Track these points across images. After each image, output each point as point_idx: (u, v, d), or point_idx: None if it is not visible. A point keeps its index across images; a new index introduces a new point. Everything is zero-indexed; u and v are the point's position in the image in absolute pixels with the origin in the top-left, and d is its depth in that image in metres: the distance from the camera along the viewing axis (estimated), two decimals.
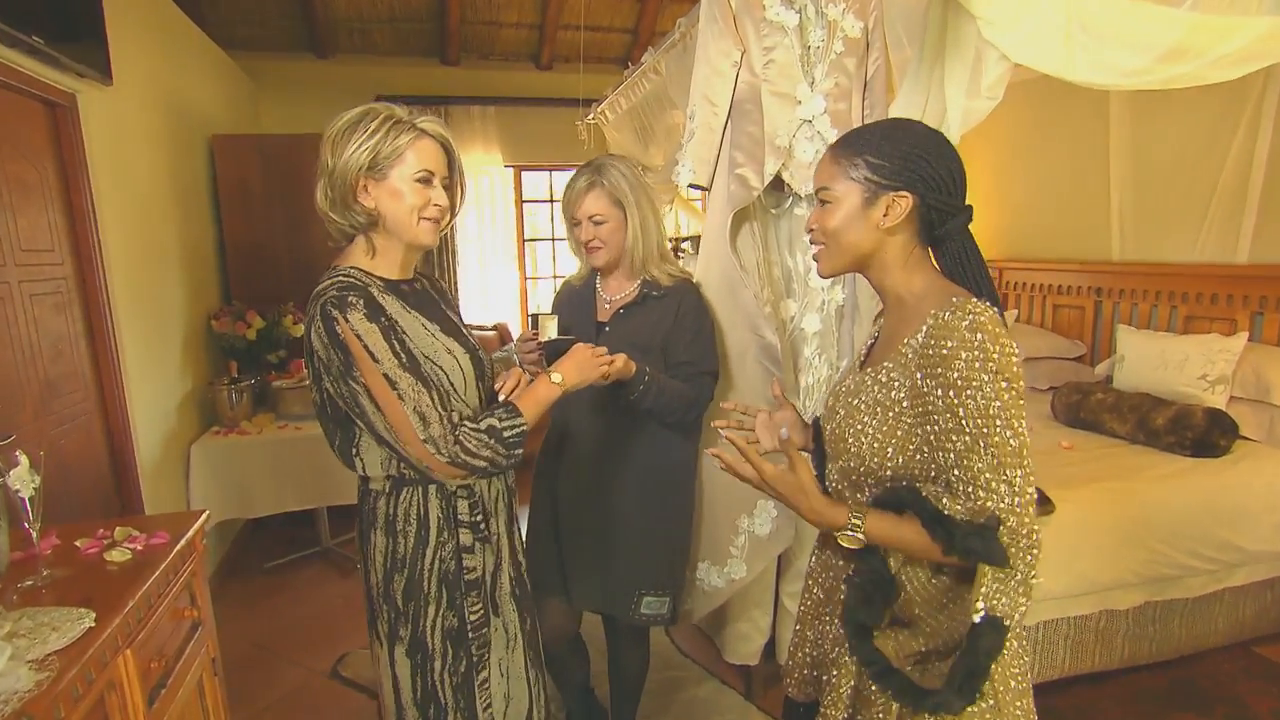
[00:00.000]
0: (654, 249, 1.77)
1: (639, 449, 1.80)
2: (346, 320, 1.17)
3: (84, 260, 2.39)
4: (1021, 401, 0.95)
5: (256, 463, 3.03)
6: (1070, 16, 1.43)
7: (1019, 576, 0.95)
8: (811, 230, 1.13)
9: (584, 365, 1.44)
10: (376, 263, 1.30)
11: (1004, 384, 0.93)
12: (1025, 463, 0.95)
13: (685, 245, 4.94)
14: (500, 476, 1.42)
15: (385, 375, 1.17)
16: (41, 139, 2.26)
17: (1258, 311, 2.89)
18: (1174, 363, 2.80)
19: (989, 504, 0.94)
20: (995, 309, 0.99)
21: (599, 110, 3.98)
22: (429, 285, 1.44)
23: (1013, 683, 1.01)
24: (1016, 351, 0.95)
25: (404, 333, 1.24)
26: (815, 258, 1.16)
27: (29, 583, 1.32)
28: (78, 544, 1.48)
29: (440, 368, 1.28)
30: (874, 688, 1.06)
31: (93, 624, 1.18)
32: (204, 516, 1.69)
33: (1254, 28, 1.38)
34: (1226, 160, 2.97)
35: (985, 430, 0.94)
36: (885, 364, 1.07)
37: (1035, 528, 0.94)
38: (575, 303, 1.88)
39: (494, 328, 5.26)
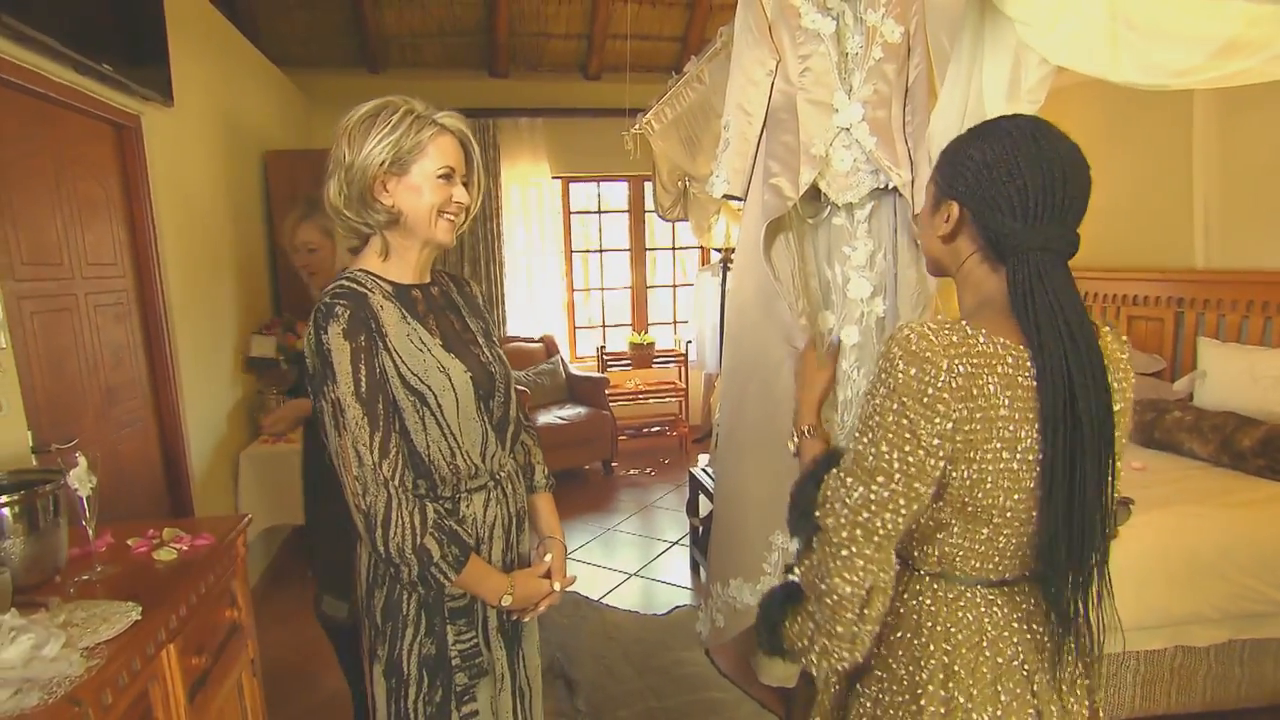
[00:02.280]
0: None
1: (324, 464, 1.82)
2: (326, 331, 1.13)
3: (144, 273, 2.51)
4: (910, 432, 0.86)
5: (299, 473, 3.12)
6: (1114, 14, 1.35)
7: (816, 558, 0.93)
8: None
9: (532, 597, 1.32)
10: (389, 265, 1.25)
11: (892, 405, 0.87)
12: (873, 484, 0.87)
13: (735, 257, 4.89)
14: (501, 500, 1.32)
15: (337, 399, 1.12)
16: (108, 158, 2.39)
17: None
18: (1266, 379, 2.60)
19: (827, 489, 0.94)
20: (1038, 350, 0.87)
21: (644, 120, 3.98)
22: (452, 288, 1.36)
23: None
24: (938, 381, 0.85)
25: (389, 351, 1.17)
26: None
27: (84, 577, 1.38)
28: (129, 543, 1.55)
29: (429, 387, 1.19)
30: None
31: (139, 618, 1.23)
32: (245, 520, 1.74)
33: None
34: None
35: (858, 433, 0.92)
36: None
37: (848, 550, 0.88)
38: None
39: (540, 339, 5.31)
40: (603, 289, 5.87)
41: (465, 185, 1.27)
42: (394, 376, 1.17)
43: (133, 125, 2.44)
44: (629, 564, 3.63)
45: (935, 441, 0.86)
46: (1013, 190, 0.89)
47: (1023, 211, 0.88)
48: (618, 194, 5.76)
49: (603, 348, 5.69)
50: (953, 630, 0.95)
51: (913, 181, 1.96)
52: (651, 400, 5.49)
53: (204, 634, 1.49)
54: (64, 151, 2.16)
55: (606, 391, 5.05)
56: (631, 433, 5.58)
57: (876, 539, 0.88)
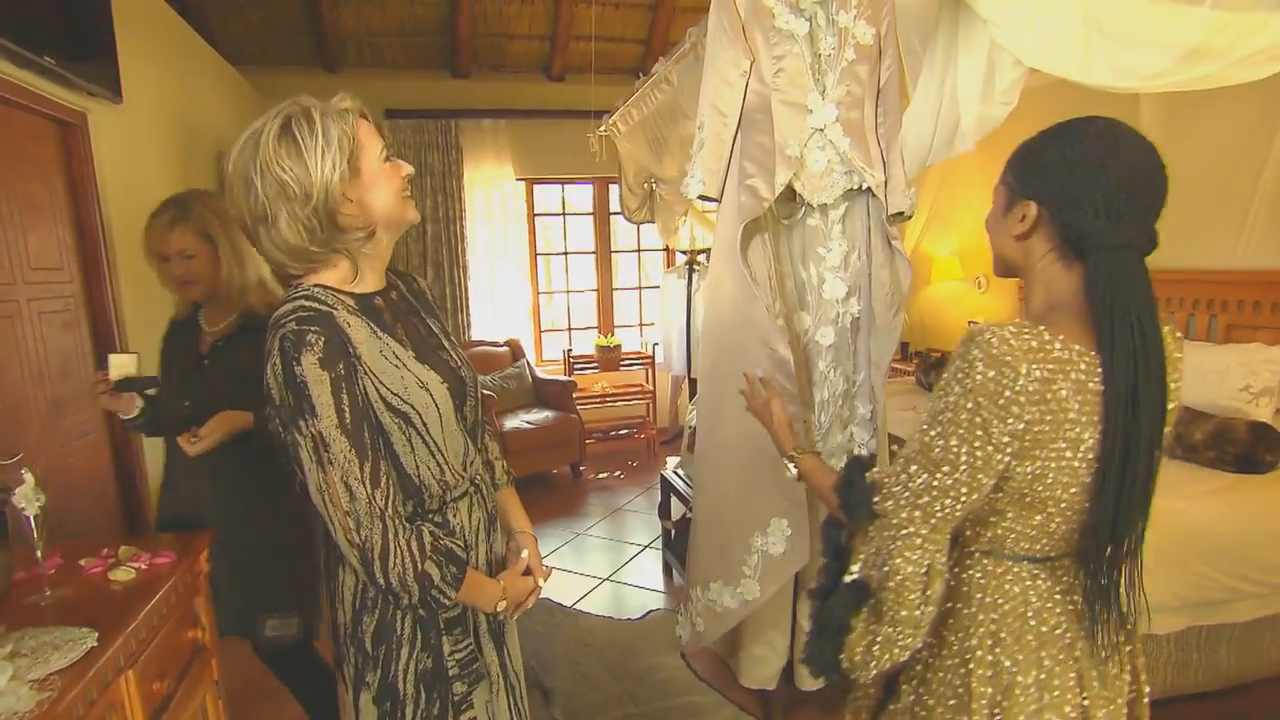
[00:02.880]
0: (251, 279, 1.73)
1: (249, 481, 1.77)
2: (299, 363, 1.02)
3: (92, 277, 2.40)
4: (982, 432, 0.91)
5: None
6: (1087, 18, 1.38)
7: (874, 548, 1.00)
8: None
9: (521, 598, 1.31)
10: (354, 279, 1.15)
11: (964, 402, 0.92)
12: (933, 468, 0.94)
13: (701, 258, 4.89)
14: (481, 504, 1.29)
15: (320, 434, 1.03)
16: (52, 157, 2.28)
17: None
18: (1213, 374, 2.69)
19: (888, 475, 1.00)
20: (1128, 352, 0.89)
21: (610, 122, 3.96)
22: (405, 289, 1.27)
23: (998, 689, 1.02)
24: (1015, 385, 0.89)
25: (367, 373, 1.08)
26: None
27: (33, 601, 1.31)
28: (82, 563, 1.47)
29: (412, 406, 1.12)
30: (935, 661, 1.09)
31: (95, 644, 1.17)
32: (208, 536, 1.67)
33: (1277, 26, 1.31)
34: (1267, 161, 2.86)
35: (926, 425, 0.96)
36: None
37: (909, 529, 0.96)
38: (178, 337, 1.83)
39: (506, 343, 5.24)
40: (568, 292, 5.82)
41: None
42: (376, 400, 1.09)
43: (78, 123, 2.32)
44: (600, 569, 3.60)
45: (1005, 439, 0.90)
46: (1097, 189, 0.90)
47: (1106, 210, 0.90)
48: (582, 197, 5.73)
49: (569, 351, 5.64)
50: (999, 601, 1.01)
51: (885, 182, 1.97)
52: (619, 403, 5.46)
53: (165, 657, 1.42)
54: (3, 150, 2.04)
55: (574, 395, 5.01)
56: (599, 436, 5.54)
57: (934, 521, 0.94)
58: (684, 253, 4.83)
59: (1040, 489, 0.94)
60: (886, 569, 0.95)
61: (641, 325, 5.99)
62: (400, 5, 4.59)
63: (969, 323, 1.04)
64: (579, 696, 2.50)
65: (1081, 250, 0.93)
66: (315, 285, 1.11)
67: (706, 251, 4.81)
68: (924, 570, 0.94)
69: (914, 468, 0.96)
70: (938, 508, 0.93)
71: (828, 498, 1.11)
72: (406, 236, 4.94)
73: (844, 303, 2.08)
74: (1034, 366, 0.89)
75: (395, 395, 1.11)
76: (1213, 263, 3.10)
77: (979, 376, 0.90)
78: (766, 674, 2.22)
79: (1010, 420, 0.89)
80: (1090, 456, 0.93)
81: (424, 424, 1.13)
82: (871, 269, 2.09)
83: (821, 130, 1.94)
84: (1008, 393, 0.89)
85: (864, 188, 1.99)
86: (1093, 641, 1.01)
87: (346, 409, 1.04)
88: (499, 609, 1.24)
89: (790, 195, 2.03)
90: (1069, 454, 0.92)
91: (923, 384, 4.09)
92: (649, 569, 3.59)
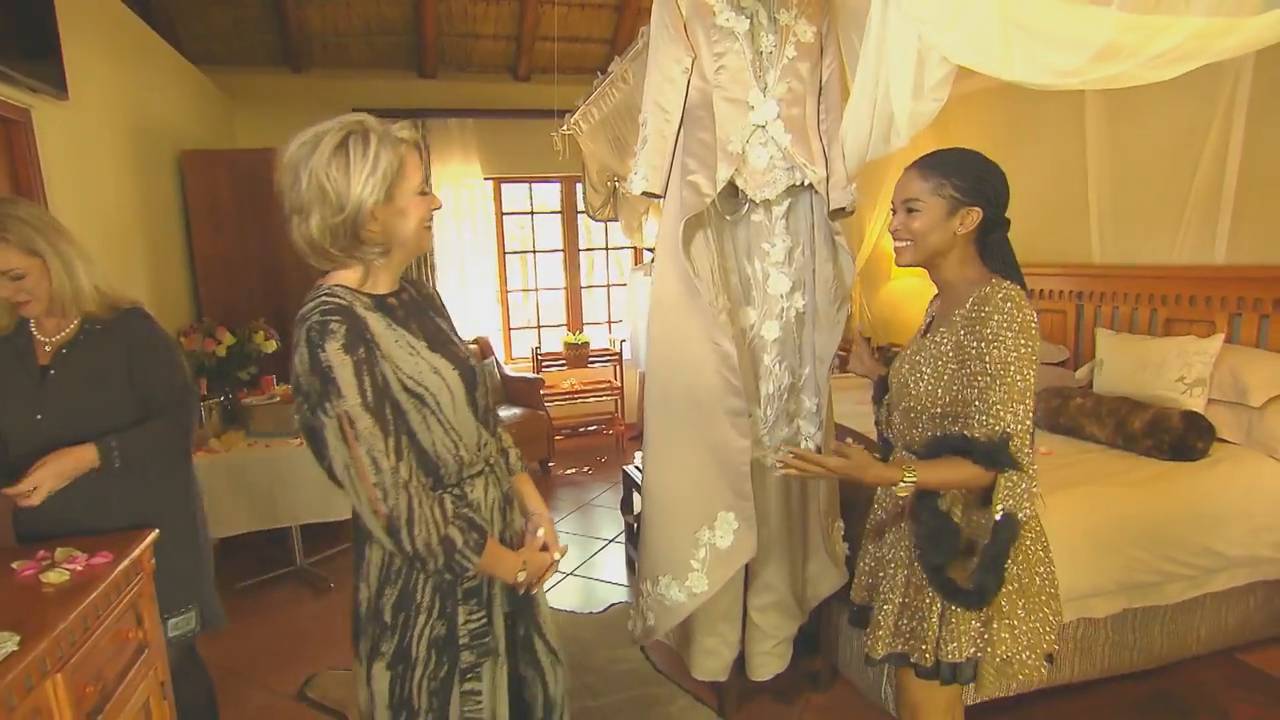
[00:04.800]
0: (84, 285, 1.66)
1: (126, 497, 1.74)
2: (324, 349, 1.13)
3: None
4: (1035, 358, 1.32)
5: (225, 481, 3.00)
6: (1006, 16, 1.41)
7: (1024, 485, 1.32)
8: (896, 230, 1.49)
9: (541, 571, 1.42)
10: (368, 283, 1.26)
11: (1023, 342, 1.32)
12: (1028, 401, 1.33)
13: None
14: (496, 483, 1.39)
15: (346, 412, 1.13)
16: None
17: (1236, 313, 2.85)
18: (1152, 366, 2.76)
19: (998, 427, 1.32)
20: (1023, 289, 1.40)
21: (573, 121, 3.97)
22: (416, 293, 1.39)
23: (1039, 568, 1.47)
24: (1035, 320, 1.34)
25: (385, 358, 1.19)
26: (897, 251, 1.51)
27: None
28: (14, 565, 1.45)
29: (426, 389, 1.23)
30: (924, 577, 1.45)
31: (15, 648, 1.15)
32: (152, 536, 1.66)
33: (1184, 27, 1.35)
34: (1200, 161, 2.94)
35: (1003, 372, 1.31)
36: (941, 330, 1.46)
37: (1031, 452, 1.35)
38: (5, 355, 1.69)
39: (475, 342, 5.23)
40: (537, 289, 5.82)
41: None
42: (394, 383, 1.20)
43: (21, 119, 2.29)
44: (567, 563, 3.61)
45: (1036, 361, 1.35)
46: (1004, 196, 1.43)
47: (1003, 208, 1.45)
48: (550, 195, 5.74)
49: (538, 348, 5.65)
50: None
51: (828, 179, 2.01)
52: (588, 399, 5.48)
53: (101, 659, 1.40)
54: None
55: (542, 392, 5.01)
56: (568, 432, 5.56)
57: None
58: (649, 250, 4.86)
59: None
60: (1035, 488, 1.34)
61: (610, 322, 6.00)
62: (366, 5, 4.57)
63: (984, 285, 1.41)
64: None
65: (988, 237, 1.46)
66: (336, 285, 1.22)
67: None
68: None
69: (1021, 408, 1.31)
70: (1029, 422, 1.35)
71: (965, 475, 1.34)
72: None
73: (788, 298, 2.11)
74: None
75: (411, 379, 1.22)
76: (1153, 258, 3.19)
77: (1020, 319, 1.32)
78: (718, 666, 2.24)
79: (1038, 345, 1.33)
80: None
81: (438, 404, 1.25)
82: (815, 264, 2.12)
83: (763, 127, 1.97)
84: (1033, 327, 1.33)
85: (806, 184, 2.02)
86: None
87: (369, 389, 1.15)
88: (519, 579, 1.33)
89: (734, 191, 2.05)
90: None
91: None
92: (614, 563, 3.62)
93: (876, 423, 1.78)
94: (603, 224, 5.35)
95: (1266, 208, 2.79)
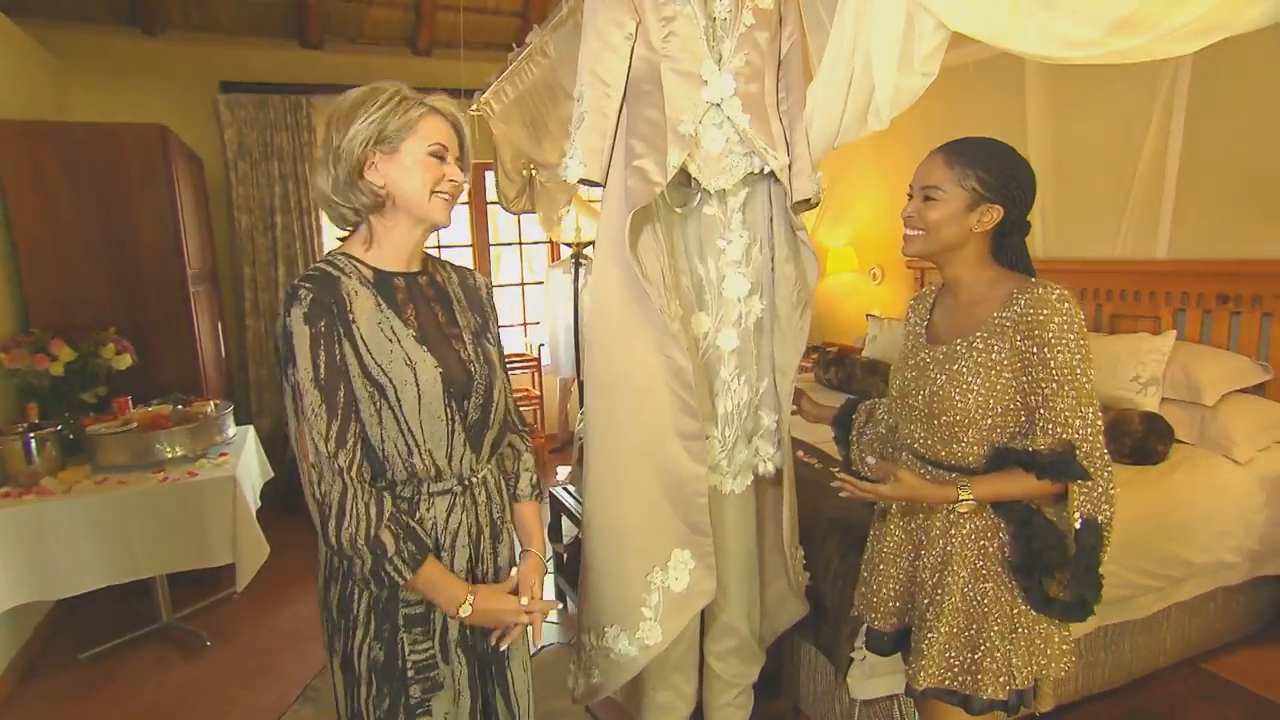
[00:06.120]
0: None
1: None
2: (290, 315, 1.12)
3: None
4: (1091, 357, 1.26)
5: (66, 528, 2.44)
6: None
7: (1100, 488, 1.27)
8: (909, 217, 1.39)
9: (500, 617, 1.28)
10: (375, 252, 1.23)
11: (1083, 343, 1.25)
12: (1095, 402, 1.27)
13: (588, 251, 4.58)
14: (469, 507, 1.30)
15: (296, 384, 1.12)
16: None
17: (1180, 308, 2.82)
18: (1106, 366, 2.66)
19: (1065, 435, 1.26)
20: None
21: (483, 100, 3.58)
22: (453, 279, 1.35)
23: None
24: (1084, 319, 1.27)
25: (355, 339, 1.15)
26: (906, 240, 1.41)
27: None
28: None
29: (390, 380, 1.16)
30: (986, 602, 1.37)
31: None
32: None
33: None
34: (1141, 155, 2.89)
35: (1070, 377, 1.25)
36: (979, 333, 1.34)
37: (1106, 452, 1.27)
38: None
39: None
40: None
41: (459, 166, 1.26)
42: (354, 365, 1.16)
43: None
44: None
45: None
46: (1030, 198, 1.35)
47: (1027, 210, 1.36)
48: None
49: None
50: None
51: (790, 165, 1.74)
52: None
53: None
54: None
55: None
56: None
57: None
58: (569, 245, 4.52)
59: None
60: (1113, 490, 1.27)
61: (526, 325, 5.60)
62: None
63: (1023, 286, 1.30)
64: None
65: (1006, 239, 1.38)
66: (340, 253, 1.23)
67: (594, 244, 4.51)
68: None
69: (1090, 411, 1.26)
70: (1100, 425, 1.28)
71: (1026, 489, 1.29)
72: (251, 229, 4.34)
73: (746, 301, 1.84)
74: None
75: (377, 366, 1.16)
76: (1097, 253, 3.14)
77: (1079, 318, 1.26)
78: (674, 718, 1.97)
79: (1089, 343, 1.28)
80: None
81: (398, 400, 1.18)
82: (775, 263, 1.86)
83: (718, 105, 1.67)
84: (1084, 326, 1.27)
85: (765, 171, 1.75)
86: None
87: (322, 364, 1.12)
88: (461, 614, 1.22)
89: (684, 180, 1.76)
90: None
91: (822, 381, 3.94)
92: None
93: (846, 460, 1.78)
94: (514, 216, 4.96)
95: (1207, 203, 2.76)
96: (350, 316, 1.15)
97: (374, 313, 1.18)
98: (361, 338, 1.16)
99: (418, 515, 1.24)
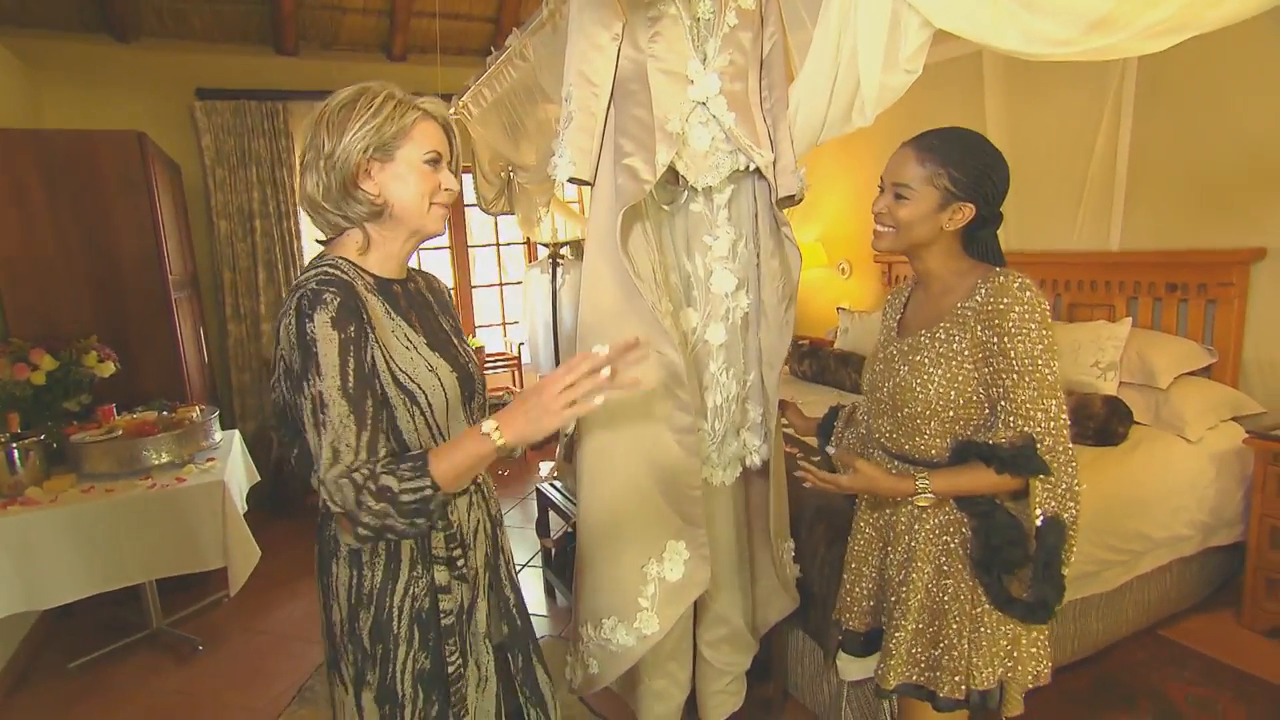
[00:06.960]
0: None
1: None
2: (313, 320, 1.05)
3: None
4: (1055, 347, 1.23)
5: (52, 538, 2.43)
6: None
7: (1064, 485, 1.24)
8: (880, 214, 1.39)
9: (543, 408, 1.07)
10: (368, 258, 1.19)
11: (1045, 332, 1.22)
12: (1058, 393, 1.24)
13: (564, 251, 4.63)
14: (481, 503, 1.31)
15: (320, 394, 1.04)
16: None
17: (1133, 296, 2.96)
18: (1068, 353, 2.80)
19: (1025, 427, 1.23)
20: None
21: (461, 104, 3.61)
22: (424, 285, 1.33)
23: None
24: (1048, 308, 1.24)
25: (377, 345, 1.10)
26: (876, 235, 1.42)
27: None
28: None
29: (419, 386, 1.15)
30: (946, 599, 1.35)
31: None
32: None
33: None
34: (1094, 151, 3.03)
35: (1030, 367, 1.22)
36: (942, 324, 1.33)
37: (1071, 446, 1.24)
38: None
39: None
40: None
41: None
42: (384, 372, 1.12)
43: None
44: None
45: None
46: (1002, 195, 1.32)
47: (999, 205, 1.34)
48: None
49: None
50: None
51: (774, 163, 1.82)
52: None
53: None
54: None
55: None
56: None
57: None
58: (546, 245, 4.57)
59: None
60: (1078, 486, 1.24)
61: (505, 324, 5.63)
62: None
63: (986, 276, 1.29)
64: None
65: (977, 232, 1.36)
66: (339, 257, 1.17)
67: (570, 244, 4.55)
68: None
69: (1053, 403, 1.23)
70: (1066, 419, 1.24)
71: (986, 483, 1.26)
72: (231, 235, 4.31)
73: (733, 297, 1.91)
74: None
75: (404, 373, 1.14)
76: (1055, 245, 3.27)
77: (1043, 307, 1.23)
78: (668, 710, 2.02)
79: (1054, 333, 1.23)
80: None
81: (429, 405, 1.16)
82: (760, 259, 1.93)
83: (704, 104, 1.74)
84: (1049, 317, 1.24)
85: (751, 168, 1.82)
86: None
87: (351, 373, 1.06)
88: (498, 441, 1.08)
89: (671, 178, 1.82)
90: None
91: (797, 374, 4.04)
92: (530, 591, 3.31)
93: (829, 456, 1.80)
94: (491, 219, 4.99)
95: (1155, 196, 2.91)
96: (370, 322, 1.11)
97: (386, 320, 1.15)
98: (384, 344, 1.12)
99: (448, 520, 1.23)
